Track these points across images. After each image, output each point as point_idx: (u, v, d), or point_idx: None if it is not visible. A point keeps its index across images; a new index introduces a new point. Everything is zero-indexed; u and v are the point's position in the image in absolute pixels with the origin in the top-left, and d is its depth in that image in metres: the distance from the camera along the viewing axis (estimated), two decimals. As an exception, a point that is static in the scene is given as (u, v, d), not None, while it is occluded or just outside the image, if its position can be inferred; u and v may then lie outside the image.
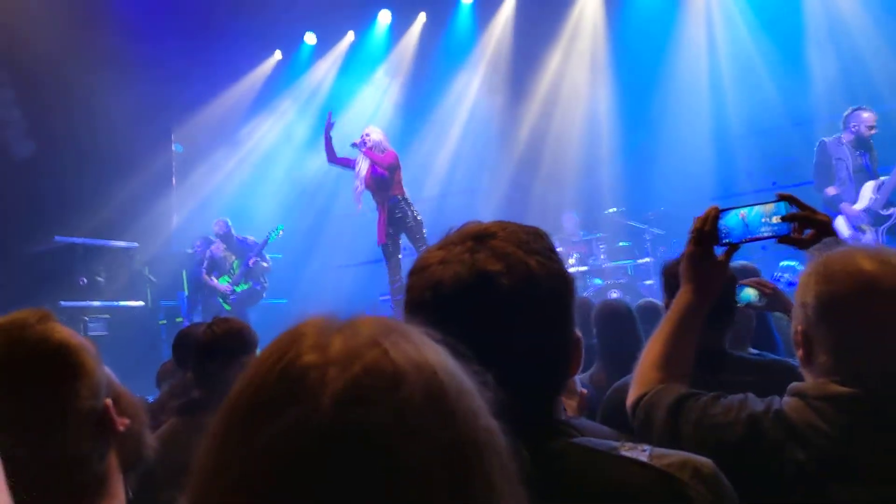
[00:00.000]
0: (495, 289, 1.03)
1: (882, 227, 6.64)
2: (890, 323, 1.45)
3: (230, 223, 9.43)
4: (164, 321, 9.44)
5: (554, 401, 1.12)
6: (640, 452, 1.04)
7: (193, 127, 11.25)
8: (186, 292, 9.88)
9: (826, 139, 6.99)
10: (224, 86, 11.47)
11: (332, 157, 7.93)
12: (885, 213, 6.66)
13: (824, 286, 1.49)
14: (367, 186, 7.72)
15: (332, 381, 0.61)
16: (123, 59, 9.27)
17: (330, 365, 0.63)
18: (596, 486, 1.00)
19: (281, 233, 9.18)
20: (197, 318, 8.96)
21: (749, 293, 2.80)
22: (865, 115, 6.82)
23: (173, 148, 11.28)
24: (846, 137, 6.86)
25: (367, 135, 7.75)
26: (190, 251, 9.83)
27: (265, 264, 9.23)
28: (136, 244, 9.47)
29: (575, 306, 1.14)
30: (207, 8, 10.00)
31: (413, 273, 1.11)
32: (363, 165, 7.71)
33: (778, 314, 3.53)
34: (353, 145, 7.70)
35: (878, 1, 8.48)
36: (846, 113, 6.93)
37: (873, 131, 6.80)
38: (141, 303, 9.16)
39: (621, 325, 3.59)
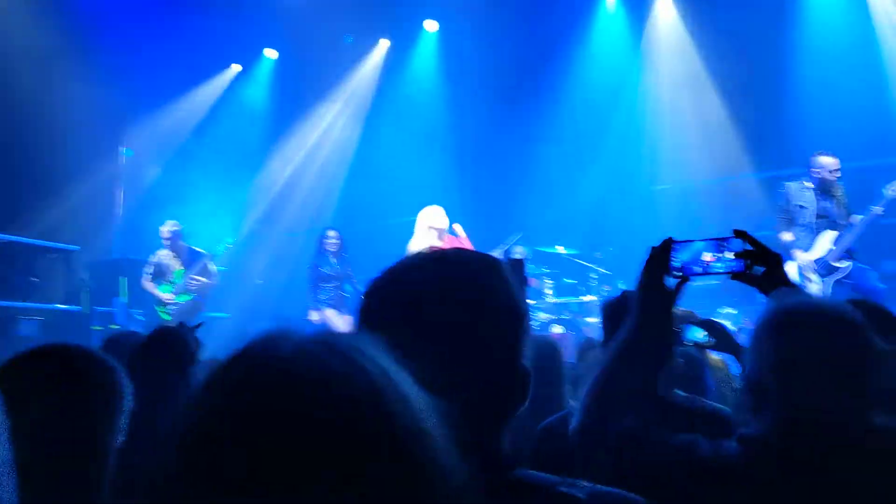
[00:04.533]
0: (443, 317, 1.05)
1: (830, 279, 6.53)
2: (842, 380, 1.49)
3: (181, 228, 9.10)
4: (100, 327, 9.19)
5: (500, 434, 1.12)
6: (579, 489, 1.04)
7: (145, 133, 11.05)
8: (125, 299, 9.65)
9: (789, 183, 6.87)
10: (179, 93, 11.32)
11: None
12: (837, 265, 6.52)
13: (781, 337, 1.52)
14: None
15: (247, 371, 0.66)
16: (76, 58, 9.11)
17: (254, 361, 0.67)
18: None
19: (230, 246, 9.04)
20: (134, 327, 8.73)
21: (697, 332, 2.80)
22: (827, 159, 6.62)
23: (122, 152, 11.06)
24: (810, 183, 6.71)
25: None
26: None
27: (208, 280, 8.97)
28: (76, 247, 9.26)
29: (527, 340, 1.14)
30: (167, 12, 9.91)
31: (366, 294, 1.12)
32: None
33: (715, 358, 3.62)
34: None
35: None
36: (810, 158, 6.77)
37: (836, 175, 6.61)
38: (77, 307, 8.93)
39: (544, 360, 3.62)
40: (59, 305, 8.69)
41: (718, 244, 1.74)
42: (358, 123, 11.56)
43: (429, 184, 10.57)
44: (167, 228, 8.93)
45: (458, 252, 1.14)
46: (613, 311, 2.65)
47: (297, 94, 11.65)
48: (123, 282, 9.66)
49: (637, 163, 9.83)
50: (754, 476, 1.49)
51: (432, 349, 1.02)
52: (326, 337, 0.70)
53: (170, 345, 2.80)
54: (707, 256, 1.73)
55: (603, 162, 9.93)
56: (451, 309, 1.06)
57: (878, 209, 6.45)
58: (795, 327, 1.52)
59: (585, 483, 1.06)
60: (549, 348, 3.64)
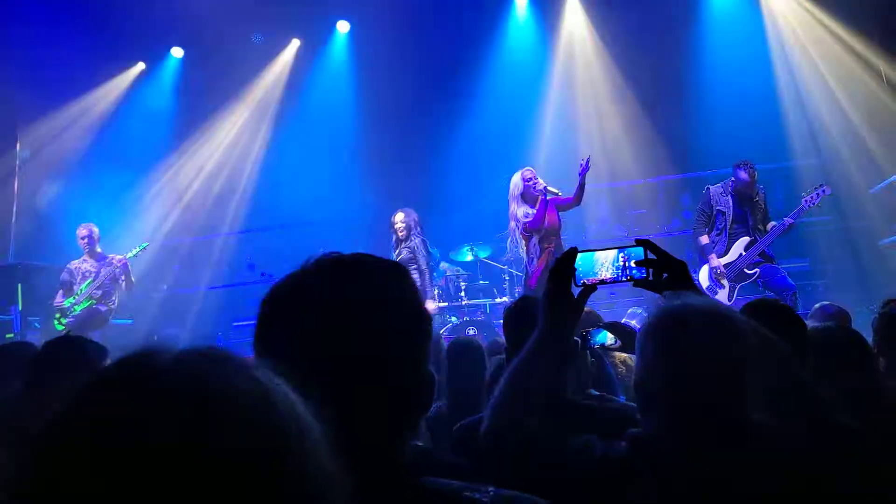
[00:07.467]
0: (346, 322, 1.03)
1: (740, 285, 6.72)
2: (719, 380, 1.54)
3: (96, 231, 8.46)
4: (-6, 337, 8.74)
5: (403, 441, 1.10)
6: (484, 494, 1.04)
7: (44, 132, 10.57)
8: (20, 307, 9.19)
9: (711, 187, 7.02)
10: (81, 92, 10.87)
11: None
12: (748, 271, 6.69)
13: (661, 340, 1.57)
14: (545, 231, 6.88)
15: (121, 382, 0.64)
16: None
17: (129, 373, 0.64)
18: None
19: (144, 250, 8.52)
20: (31, 336, 8.28)
21: (604, 335, 2.85)
22: (744, 174, 6.71)
23: (18, 152, 10.55)
24: (730, 189, 6.86)
25: (535, 178, 7.06)
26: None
27: (122, 286, 8.44)
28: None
29: (431, 344, 1.14)
30: (71, 13, 9.53)
31: (266, 302, 1.09)
32: (548, 215, 6.90)
33: (622, 356, 3.71)
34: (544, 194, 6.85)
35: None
36: (733, 166, 6.86)
37: (753, 185, 6.72)
38: (-32, 315, 8.49)
39: (471, 362, 3.64)
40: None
41: (621, 253, 1.80)
42: (267, 125, 11.35)
43: (341, 186, 10.53)
44: (83, 230, 8.36)
45: (360, 257, 1.12)
46: (514, 315, 2.71)
47: (204, 95, 11.33)
48: (19, 289, 9.20)
49: (546, 166, 10.00)
50: (642, 474, 1.54)
51: (334, 357, 1.00)
52: (207, 350, 0.68)
53: (67, 355, 2.66)
54: (609, 265, 1.80)
55: (513, 166, 10.06)
56: (354, 315, 1.04)
57: (788, 220, 6.59)
58: (673, 330, 1.58)
59: (490, 488, 1.06)
60: (472, 350, 3.69)
